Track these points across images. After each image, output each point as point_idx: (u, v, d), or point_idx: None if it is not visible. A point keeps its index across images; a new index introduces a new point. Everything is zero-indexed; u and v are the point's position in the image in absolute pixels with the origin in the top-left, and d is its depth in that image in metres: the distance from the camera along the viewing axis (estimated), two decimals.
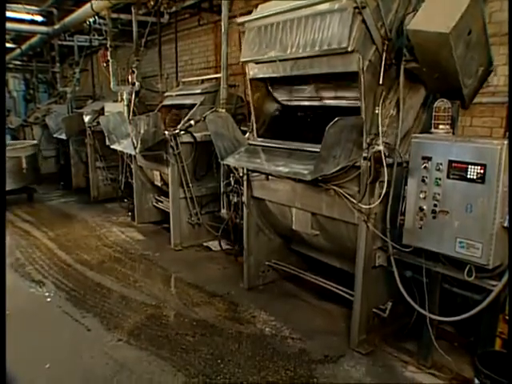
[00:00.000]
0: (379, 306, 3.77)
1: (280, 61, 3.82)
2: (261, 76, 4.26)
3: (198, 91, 6.51)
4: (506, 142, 2.70)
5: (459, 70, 3.15)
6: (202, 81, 7.33)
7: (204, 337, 3.96)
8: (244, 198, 4.80)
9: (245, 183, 4.72)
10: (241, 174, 4.80)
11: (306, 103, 4.46)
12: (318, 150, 3.19)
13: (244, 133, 4.57)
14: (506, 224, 2.76)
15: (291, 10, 3.64)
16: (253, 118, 4.48)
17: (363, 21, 3.22)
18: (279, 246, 5.05)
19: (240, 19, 4.23)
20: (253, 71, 4.31)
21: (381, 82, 3.38)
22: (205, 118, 5.34)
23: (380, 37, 3.33)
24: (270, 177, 4.32)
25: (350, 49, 3.21)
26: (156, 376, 3.42)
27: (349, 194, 3.50)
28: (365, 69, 3.28)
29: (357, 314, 3.69)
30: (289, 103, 4.60)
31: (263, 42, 3.93)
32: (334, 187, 3.59)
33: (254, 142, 4.38)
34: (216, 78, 6.74)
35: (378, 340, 3.82)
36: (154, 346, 3.82)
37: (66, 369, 3.56)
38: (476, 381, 2.79)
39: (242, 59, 4.23)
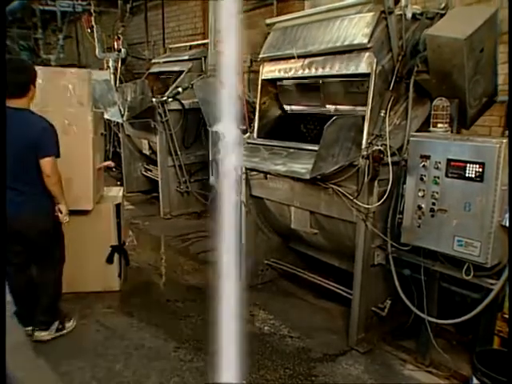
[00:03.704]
0: (378, 304, 3.77)
1: (298, 57, 3.89)
2: (272, 77, 4.30)
3: (186, 57, 6.39)
4: (504, 141, 2.70)
5: (467, 86, 3.20)
6: (190, 47, 7.17)
7: (194, 303, 4.04)
8: (243, 197, 4.79)
9: (243, 182, 4.72)
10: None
11: (312, 111, 4.50)
12: (316, 148, 3.19)
13: (244, 131, 4.57)
14: (503, 223, 2.76)
15: (321, 12, 3.76)
16: (256, 119, 4.52)
17: (386, 26, 3.33)
18: (278, 245, 5.04)
19: (268, 20, 4.34)
20: (266, 73, 4.36)
21: (391, 88, 3.44)
22: (193, 84, 5.29)
23: (397, 47, 3.42)
24: (268, 176, 4.32)
25: (368, 45, 3.32)
26: (147, 342, 3.47)
27: (347, 193, 3.50)
28: (377, 72, 3.36)
29: (355, 312, 3.70)
30: (294, 112, 4.65)
31: (286, 40, 4.04)
32: (333, 186, 3.59)
33: (253, 141, 4.38)
34: (204, 44, 6.58)
35: (376, 338, 3.82)
36: (144, 312, 3.87)
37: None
38: (474, 379, 2.79)
39: (261, 56, 4.31)
